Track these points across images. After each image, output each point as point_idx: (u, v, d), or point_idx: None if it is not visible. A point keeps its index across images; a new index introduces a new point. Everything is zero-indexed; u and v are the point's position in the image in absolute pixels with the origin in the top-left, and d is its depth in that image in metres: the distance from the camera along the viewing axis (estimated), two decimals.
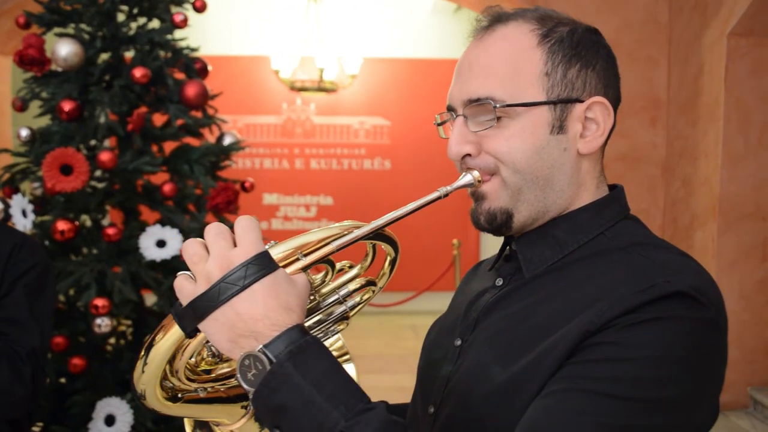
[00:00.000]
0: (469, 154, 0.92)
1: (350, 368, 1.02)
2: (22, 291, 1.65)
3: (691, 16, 4.43)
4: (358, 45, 6.95)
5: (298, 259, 0.82)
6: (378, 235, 0.89)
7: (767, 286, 4.09)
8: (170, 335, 0.78)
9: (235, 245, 0.77)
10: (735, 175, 4.02)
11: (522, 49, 0.89)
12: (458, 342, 0.95)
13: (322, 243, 0.83)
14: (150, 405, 0.82)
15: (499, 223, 0.92)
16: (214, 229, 0.78)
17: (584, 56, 0.91)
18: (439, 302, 6.91)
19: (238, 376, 0.75)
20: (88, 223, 3.07)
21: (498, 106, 0.88)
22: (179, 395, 0.84)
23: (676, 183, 4.63)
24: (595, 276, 0.85)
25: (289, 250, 0.81)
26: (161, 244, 2.88)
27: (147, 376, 0.80)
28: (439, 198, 0.90)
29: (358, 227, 0.85)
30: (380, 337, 6.26)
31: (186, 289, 0.77)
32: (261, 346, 0.74)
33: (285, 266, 0.80)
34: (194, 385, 0.84)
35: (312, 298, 0.90)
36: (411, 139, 7.05)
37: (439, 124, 1.00)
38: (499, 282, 0.97)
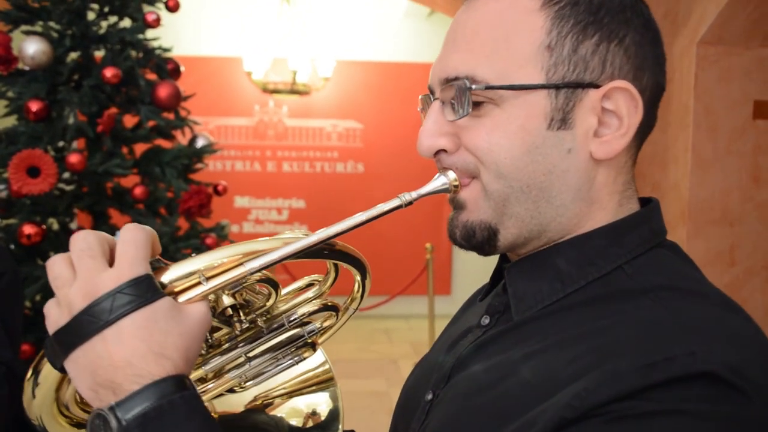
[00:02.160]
0: (445, 150, 0.72)
1: (327, 395, 0.87)
2: None
3: (661, 25, 4.47)
4: (331, 47, 6.92)
5: (199, 284, 0.64)
6: (333, 252, 0.72)
7: (734, 291, 4.17)
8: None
9: (111, 264, 0.61)
10: (704, 181, 4.10)
11: (518, 13, 0.67)
12: (429, 396, 0.77)
13: (236, 262, 0.66)
14: None
15: (479, 241, 0.72)
16: (80, 242, 0.61)
17: (607, 24, 0.67)
18: (412, 306, 6.99)
19: None
20: (56, 226, 2.99)
21: (474, 87, 0.66)
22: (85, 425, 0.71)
23: (646, 188, 4.70)
24: (595, 331, 0.63)
25: (194, 270, 0.64)
26: None
27: (39, 401, 0.66)
28: (400, 206, 0.71)
29: (299, 239, 0.68)
30: (353, 341, 6.23)
31: (51, 317, 0.61)
32: (113, 403, 0.57)
33: (181, 292, 0.64)
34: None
35: (254, 322, 0.77)
36: (384, 143, 7.03)
37: (421, 110, 0.79)
38: (485, 321, 0.77)
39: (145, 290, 0.59)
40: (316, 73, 6.73)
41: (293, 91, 6.44)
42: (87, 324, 0.58)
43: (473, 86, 0.67)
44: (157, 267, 0.64)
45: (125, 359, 0.58)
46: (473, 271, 6.00)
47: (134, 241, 0.61)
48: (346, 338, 6.29)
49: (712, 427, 0.53)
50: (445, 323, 0.97)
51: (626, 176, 0.72)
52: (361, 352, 5.98)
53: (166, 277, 0.63)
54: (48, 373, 0.65)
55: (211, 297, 0.69)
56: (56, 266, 0.62)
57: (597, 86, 0.67)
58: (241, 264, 0.65)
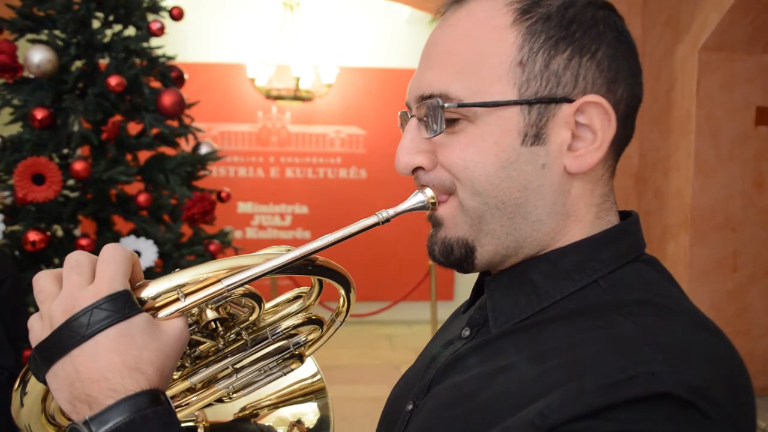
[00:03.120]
0: (422, 168, 0.72)
1: (316, 405, 0.88)
2: None
3: (663, 31, 4.52)
4: (334, 54, 6.94)
5: (177, 300, 0.66)
6: (316, 267, 0.72)
7: (737, 297, 4.17)
8: None
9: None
10: (706, 187, 4.10)
11: (490, 30, 0.67)
12: (409, 407, 0.78)
13: (216, 278, 0.67)
14: None
15: (457, 258, 0.72)
16: (72, 260, 0.64)
17: (579, 39, 0.67)
18: (414, 312, 6.99)
19: None
20: (60, 233, 3.01)
21: (447, 105, 0.67)
22: None
23: (648, 194, 4.70)
24: (566, 347, 0.62)
25: (170, 287, 0.65)
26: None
27: (28, 410, 0.68)
28: (377, 224, 0.71)
29: (280, 255, 0.69)
30: (355, 347, 6.23)
31: (34, 330, 0.63)
32: (87, 417, 0.58)
33: (161, 308, 0.65)
34: None
35: (238, 336, 0.78)
36: (386, 149, 7.04)
37: (401, 126, 0.79)
38: (465, 333, 0.77)
39: (122, 306, 0.61)
40: (319, 80, 6.76)
41: (296, 98, 6.46)
42: (66, 338, 0.60)
43: (446, 104, 0.67)
44: (138, 284, 0.65)
45: (100, 373, 0.59)
46: (475, 277, 6.00)
47: (113, 258, 0.63)
48: (349, 344, 6.29)
49: None
50: None
51: (603, 189, 0.72)
52: (363, 358, 5.98)
53: (146, 293, 0.65)
54: (35, 383, 0.66)
55: (195, 311, 0.71)
56: (41, 281, 0.64)
57: (570, 101, 0.67)
58: (219, 280, 0.66)
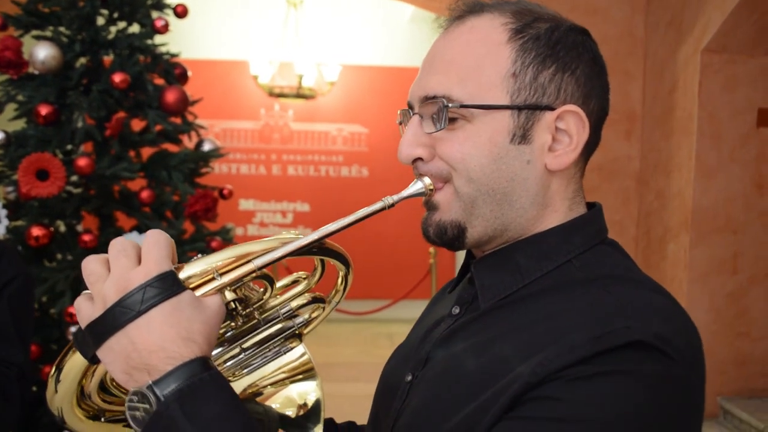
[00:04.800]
0: (421, 159, 0.83)
1: (311, 385, 0.94)
2: (6, 304, 1.59)
3: (666, 32, 4.52)
4: (337, 52, 6.96)
5: (213, 279, 0.72)
6: (322, 249, 0.80)
7: (737, 299, 4.18)
8: (78, 356, 0.71)
9: (139, 264, 0.69)
10: (707, 189, 4.11)
11: (489, 45, 0.79)
12: (408, 377, 0.86)
13: (245, 260, 0.73)
14: (70, 425, 0.75)
15: (450, 238, 0.82)
16: (118, 245, 0.70)
17: (562, 58, 0.79)
18: (415, 310, 6.92)
19: (127, 414, 0.67)
20: (63, 229, 3.02)
21: (450, 105, 0.78)
22: (100, 415, 0.78)
23: (649, 195, 4.71)
24: (551, 315, 0.75)
25: (206, 268, 0.72)
26: None
27: (61, 395, 0.73)
28: (383, 208, 0.81)
29: (296, 239, 0.76)
30: (356, 345, 6.25)
31: (84, 311, 0.69)
32: (150, 382, 0.65)
33: (197, 287, 0.71)
34: (114, 407, 0.78)
35: (250, 315, 0.84)
36: (388, 147, 7.06)
37: (400, 123, 0.90)
38: (456, 311, 0.87)
39: (171, 284, 0.68)
40: (322, 78, 6.77)
41: (299, 95, 6.48)
42: (120, 314, 0.66)
43: (450, 104, 0.78)
44: (175, 266, 0.71)
45: (157, 344, 0.66)
46: None
47: (158, 242, 0.70)
48: (349, 342, 6.31)
49: (643, 382, 0.66)
50: None
51: (576, 185, 0.85)
52: (363, 356, 5.99)
53: (182, 274, 0.70)
54: (71, 367, 0.72)
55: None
56: (91, 264, 0.70)
57: (552, 109, 0.79)
58: (249, 261, 0.73)
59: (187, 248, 3.01)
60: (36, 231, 2.75)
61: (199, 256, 0.73)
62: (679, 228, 4.26)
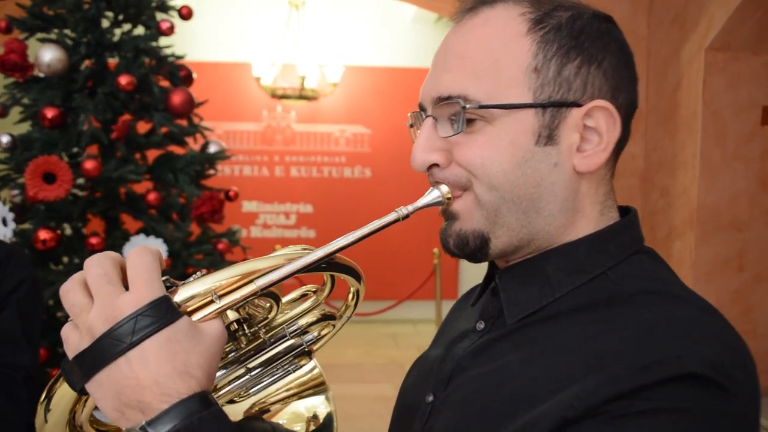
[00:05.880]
0: (437, 165, 0.76)
1: (320, 398, 0.89)
2: (15, 307, 1.59)
3: (669, 31, 4.52)
4: (340, 53, 6.95)
5: (212, 302, 0.66)
6: (332, 265, 0.73)
7: (742, 297, 4.17)
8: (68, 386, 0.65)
9: (127, 287, 0.63)
10: (712, 187, 4.10)
11: (506, 37, 0.72)
12: (430, 398, 0.79)
13: (246, 280, 0.67)
14: None
15: (471, 249, 0.75)
16: (95, 267, 0.63)
17: (587, 49, 0.72)
18: (419, 311, 7.00)
19: None
20: (69, 231, 3.02)
21: (468, 107, 0.71)
22: None
23: (654, 194, 4.71)
24: (586, 337, 0.67)
25: (204, 289, 0.66)
26: None
27: (51, 425, 0.68)
28: (397, 220, 0.74)
29: (305, 255, 0.70)
30: (360, 346, 6.24)
31: (70, 341, 0.63)
32: (143, 422, 0.59)
33: (194, 311, 0.65)
34: None
35: (255, 334, 0.79)
36: (391, 148, 7.06)
37: (410, 126, 0.84)
38: (480, 326, 0.80)
39: (165, 311, 0.61)
40: (324, 79, 6.77)
41: (301, 97, 6.48)
42: (110, 346, 0.60)
43: (468, 105, 0.71)
44: (169, 288, 0.65)
45: (152, 379, 0.60)
46: (480, 275, 5.96)
47: (145, 264, 0.63)
48: (353, 342, 6.30)
49: (699, 421, 0.59)
50: None
51: (606, 187, 0.77)
52: (367, 357, 5.99)
53: (178, 297, 0.65)
54: (62, 395, 0.66)
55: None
56: (70, 294, 0.63)
57: (579, 105, 0.72)
58: (251, 282, 0.67)
59: (193, 250, 3.01)
60: (43, 234, 2.75)
61: (198, 274, 0.68)
62: (684, 226, 4.25)
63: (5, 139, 2.90)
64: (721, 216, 4.11)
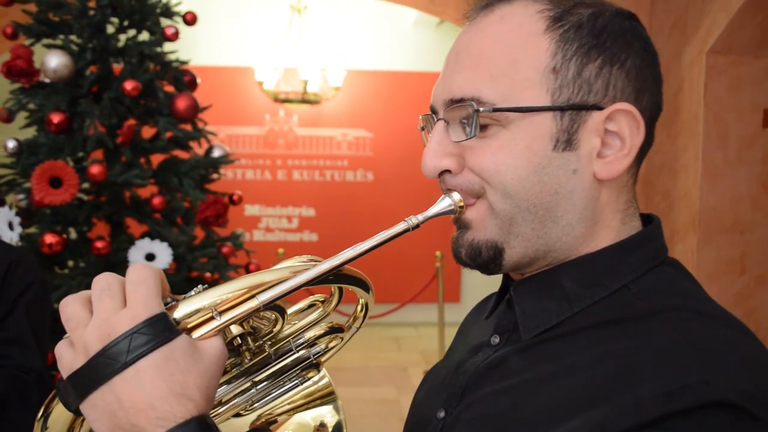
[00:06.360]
0: (449, 171, 0.72)
1: (329, 408, 0.86)
2: (23, 310, 1.61)
3: (670, 34, 4.54)
4: (342, 57, 6.98)
5: (212, 318, 0.63)
6: (339, 277, 0.70)
7: (745, 299, 4.18)
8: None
9: (125, 304, 0.60)
10: (714, 190, 4.12)
11: (523, 36, 0.68)
12: (441, 414, 0.76)
13: (248, 294, 0.65)
14: None
15: (484, 260, 0.72)
16: (102, 282, 0.61)
17: (609, 48, 0.68)
18: (422, 314, 7.01)
19: None
20: (74, 235, 3.04)
21: (482, 110, 0.67)
22: None
23: (656, 197, 4.72)
24: (606, 357, 0.62)
25: (204, 305, 0.63)
26: (150, 257, 2.86)
27: None
28: (407, 230, 0.73)
29: (310, 267, 0.68)
30: (362, 349, 6.25)
31: (64, 359, 0.60)
32: None
33: (194, 328, 0.63)
34: None
35: (261, 348, 0.76)
36: (393, 151, 7.07)
37: (422, 129, 0.79)
38: (495, 340, 0.76)
39: (161, 329, 0.58)
40: (327, 83, 6.79)
41: (304, 101, 6.49)
42: (104, 366, 0.57)
43: (481, 108, 0.67)
44: (168, 304, 0.63)
45: (146, 401, 0.57)
46: (483, 279, 6.00)
47: (144, 280, 0.61)
48: (356, 346, 6.30)
49: None
50: (455, 331, 0.98)
51: (628, 195, 0.73)
52: (370, 360, 6.00)
53: (177, 314, 0.62)
54: (59, 415, 0.64)
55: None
56: (69, 307, 0.61)
57: (600, 108, 0.68)
58: (253, 297, 0.65)
59: (198, 254, 3.02)
60: (49, 238, 2.76)
61: (199, 288, 0.65)
62: (686, 229, 4.27)
63: (11, 144, 2.92)
64: (723, 219, 4.13)
